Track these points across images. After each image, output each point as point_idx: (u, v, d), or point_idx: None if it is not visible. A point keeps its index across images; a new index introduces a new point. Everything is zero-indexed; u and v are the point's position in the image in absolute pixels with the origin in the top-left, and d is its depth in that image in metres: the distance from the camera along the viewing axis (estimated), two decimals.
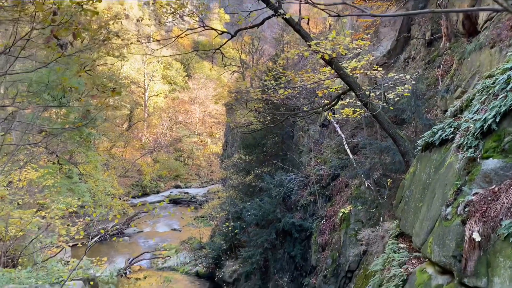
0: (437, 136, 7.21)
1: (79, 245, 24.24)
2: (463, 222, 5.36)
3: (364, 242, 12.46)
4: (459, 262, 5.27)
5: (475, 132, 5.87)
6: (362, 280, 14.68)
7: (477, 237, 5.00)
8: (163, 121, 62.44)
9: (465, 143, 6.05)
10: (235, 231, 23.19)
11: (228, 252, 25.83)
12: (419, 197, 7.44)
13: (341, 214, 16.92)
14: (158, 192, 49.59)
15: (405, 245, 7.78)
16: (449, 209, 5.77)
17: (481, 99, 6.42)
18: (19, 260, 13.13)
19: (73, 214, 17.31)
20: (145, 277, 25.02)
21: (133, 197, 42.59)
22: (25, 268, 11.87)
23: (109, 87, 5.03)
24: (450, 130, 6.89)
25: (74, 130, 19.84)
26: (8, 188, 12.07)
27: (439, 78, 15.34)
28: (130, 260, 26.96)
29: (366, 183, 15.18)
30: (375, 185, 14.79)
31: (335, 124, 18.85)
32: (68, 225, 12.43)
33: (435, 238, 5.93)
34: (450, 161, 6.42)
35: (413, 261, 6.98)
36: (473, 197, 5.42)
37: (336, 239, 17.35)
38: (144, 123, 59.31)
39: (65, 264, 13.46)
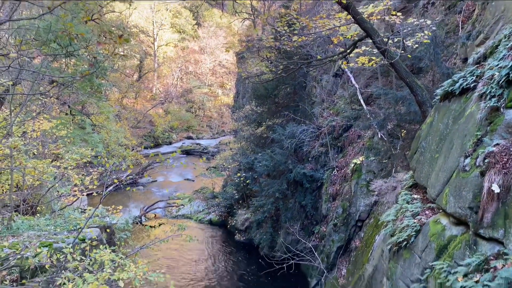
0: (457, 85, 6.90)
1: (94, 194, 24.87)
2: (482, 174, 5.21)
3: (376, 192, 12.47)
4: (475, 213, 5.19)
5: (500, 80, 5.57)
6: (372, 229, 14.89)
7: (496, 189, 4.87)
8: (173, 71, 61.78)
9: (488, 92, 5.77)
10: (247, 182, 23.47)
11: (240, 202, 26.34)
12: (435, 148, 7.26)
13: (352, 165, 16.89)
14: (170, 143, 50.06)
15: (419, 196, 7.71)
16: (467, 160, 5.60)
17: (507, 45, 6.04)
18: (38, 208, 13.51)
19: (87, 165, 17.60)
20: (159, 225, 25.83)
21: (145, 148, 43.11)
22: (44, 216, 12.23)
23: (116, 34, 4.80)
24: (472, 79, 6.57)
25: (83, 79, 19.66)
26: (22, 139, 12.17)
27: (460, 24, 14.59)
28: (144, 208, 27.73)
29: (379, 134, 14.98)
30: (389, 136, 14.59)
31: (349, 74, 18.35)
32: (83, 175, 12.62)
33: (451, 190, 5.83)
34: (470, 111, 6.17)
35: (427, 212, 6.94)
36: (494, 148, 5.23)
37: (347, 189, 17.44)
38: (154, 73, 58.78)
39: (81, 212, 13.83)
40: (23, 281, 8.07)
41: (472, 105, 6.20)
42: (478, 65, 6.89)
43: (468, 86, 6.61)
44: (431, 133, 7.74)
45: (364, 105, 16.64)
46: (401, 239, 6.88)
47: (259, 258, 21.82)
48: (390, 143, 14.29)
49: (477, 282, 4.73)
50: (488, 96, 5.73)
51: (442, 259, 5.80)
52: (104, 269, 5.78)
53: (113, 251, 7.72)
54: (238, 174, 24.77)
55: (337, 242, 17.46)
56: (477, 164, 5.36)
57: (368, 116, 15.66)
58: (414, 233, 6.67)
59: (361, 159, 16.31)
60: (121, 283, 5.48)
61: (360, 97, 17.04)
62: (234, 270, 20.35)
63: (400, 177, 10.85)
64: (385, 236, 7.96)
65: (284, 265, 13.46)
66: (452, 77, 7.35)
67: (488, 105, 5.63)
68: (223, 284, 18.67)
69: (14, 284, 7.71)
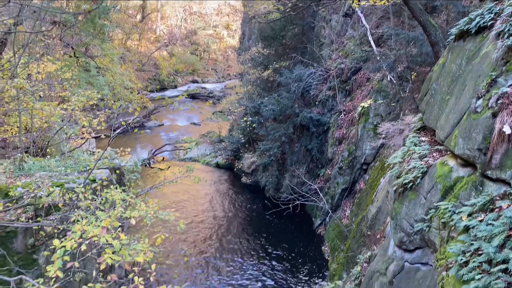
0: (474, 23, 6.60)
1: (102, 136, 25.05)
2: (494, 115, 5.12)
3: (383, 135, 12.45)
4: (484, 155, 5.17)
5: None
6: (377, 172, 15.06)
7: (507, 130, 4.80)
8: (177, 11, 59.87)
9: (506, 30, 5.52)
10: (253, 126, 23.50)
11: (246, 145, 26.54)
12: (446, 89, 7.11)
13: (360, 109, 16.76)
14: (175, 87, 49.70)
15: (427, 139, 7.68)
16: (479, 102, 5.49)
17: None
18: (47, 150, 13.71)
19: (94, 107, 17.59)
20: (168, 167, 26.31)
21: (151, 91, 42.90)
22: (54, 158, 12.43)
23: None
24: (490, 16, 6.27)
25: (85, 16, 19.11)
26: (28, 81, 12.07)
27: None
28: (153, 151, 28.12)
29: (388, 77, 14.69)
30: (398, 78, 14.31)
31: (360, 14, 17.65)
32: (89, 117, 12.64)
33: (461, 131, 5.77)
34: (486, 51, 5.95)
35: (434, 154, 6.94)
36: (508, 89, 5.10)
37: (354, 133, 17.44)
38: (157, 14, 57.05)
39: (90, 154, 14.04)
40: (38, 218, 8.37)
41: (488, 44, 5.97)
42: (497, 2, 6.54)
43: (485, 24, 6.32)
44: (443, 74, 7.54)
45: (374, 46, 16.17)
46: (407, 181, 6.94)
47: (265, 199, 22.38)
48: (400, 86, 14.05)
49: (481, 221, 4.81)
50: (506, 35, 5.49)
51: (447, 199, 5.87)
52: (115, 208, 5.94)
53: (124, 191, 7.91)
54: (245, 119, 24.75)
55: (341, 184, 17.76)
56: (489, 105, 5.25)
57: (378, 58, 15.26)
58: (420, 174, 6.72)
59: (369, 103, 16.14)
60: (132, 221, 5.65)
61: (370, 38, 16.51)
62: (241, 210, 20.98)
63: (408, 120, 10.78)
64: (391, 178, 8.03)
65: (290, 205, 13.81)
66: (468, 15, 7.02)
67: (505, 44, 5.41)
68: (230, 223, 19.32)
69: (30, 221, 7.99)
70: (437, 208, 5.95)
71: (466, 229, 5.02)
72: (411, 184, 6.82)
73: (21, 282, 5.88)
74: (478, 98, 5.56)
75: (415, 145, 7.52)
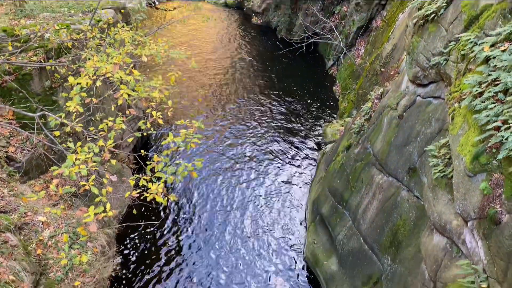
0: None
1: None
2: None
3: None
4: None
5: None
6: (396, 7, 14.17)
7: None
8: None
9: None
10: None
11: None
12: None
13: None
14: None
15: None
16: None
17: None
18: None
19: None
20: (174, 8, 25.09)
21: None
22: None
23: None
24: None
25: None
26: None
27: None
28: None
29: None
30: None
31: None
32: None
33: None
34: None
35: None
36: None
37: None
38: None
39: None
40: (50, 60, 8.36)
41: None
42: None
43: None
44: None
45: None
46: (429, 12, 6.50)
47: (277, 41, 21.82)
48: None
49: (503, 51, 4.61)
50: None
51: (470, 30, 5.56)
52: (125, 45, 5.81)
53: (131, 30, 7.66)
54: None
55: (357, 22, 16.96)
56: None
57: None
58: (444, 4, 6.24)
59: None
60: (144, 58, 5.58)
61: None
62: (252, 51, 20.66)
63: None
64: (412, 10, 7.53)
65: (303, 43, 13.45)
66: None
67: None
68: (241, 65, 19.25)
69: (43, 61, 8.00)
70: (458, 40, 5.69)
71: (486, 60, 4.87)
72: (433, 15, 6.41)
73: (44, 117, 6.18)
74: None
75: None
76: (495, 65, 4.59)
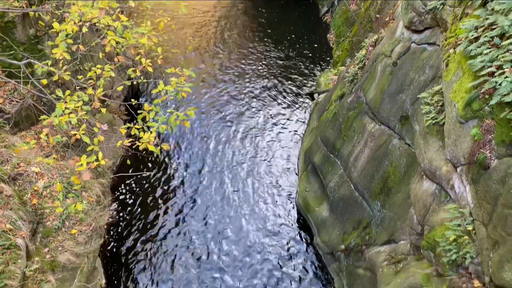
0: None
1: None
2: None
3: None
4: None
5: None
6: None
7: None
8: None
9: None
10: None
11: None
12: None
13: None
14: None
15: None
16: None
17: None
18: None
19: None
20: None
21: None
22: None
23: None
24: None
25: None
26: None
27: None
28: None
29: None
30: None
31: None
32: None
33: None
34: None
35: None
36: None
37: None
38: None
39: None
40: (33, 6, 8.02)
41: None
42: None
43: None
44: None
45: None
46: None
47: None
48: None
49: None
50: None
51: None
52: None
53: None
54: None
55: None
56: None
57: None
58: None
59: None
60: (131, 3, 5.32)
61: None
62: (241, 1, 19.90)
63: None
64: None
65: None
66: None
67: None
68: (231, 15, 18.63)
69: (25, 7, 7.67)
70: None
71: (484, 3, 4.74)
72: None
73: (31, 66, 6.02)
74: None
75: None
76: (493, 8, 4.48)
